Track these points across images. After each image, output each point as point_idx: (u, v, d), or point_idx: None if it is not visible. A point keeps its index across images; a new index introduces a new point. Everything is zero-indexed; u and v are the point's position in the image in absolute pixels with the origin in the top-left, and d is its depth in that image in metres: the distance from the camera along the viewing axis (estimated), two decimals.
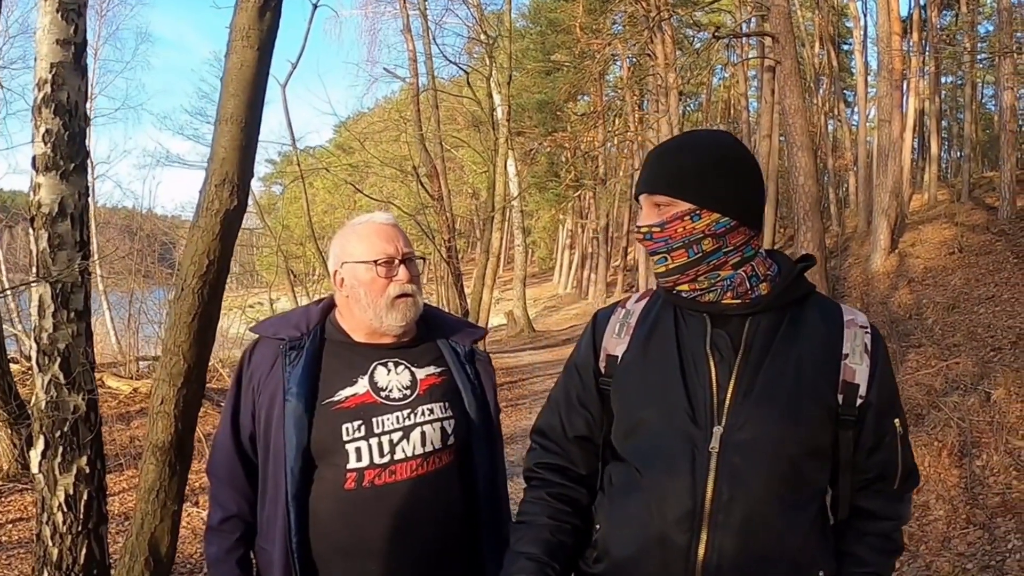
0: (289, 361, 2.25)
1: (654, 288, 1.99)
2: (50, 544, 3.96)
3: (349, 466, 2.19)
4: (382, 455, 2.21)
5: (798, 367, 1.77)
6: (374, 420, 2.22)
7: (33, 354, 4.05)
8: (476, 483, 2.37)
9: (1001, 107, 18.88)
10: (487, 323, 20.95)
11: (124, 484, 8.11)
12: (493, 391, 2.47)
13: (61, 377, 3.98)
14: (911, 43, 24.16)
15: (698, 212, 1.79)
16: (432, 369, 2.37)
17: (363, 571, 2.21)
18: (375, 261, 2.26)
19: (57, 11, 3.96)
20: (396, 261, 2.28)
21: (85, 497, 4.03)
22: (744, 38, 26.73)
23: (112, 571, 4.17)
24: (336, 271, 2.34)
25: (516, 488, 2.31)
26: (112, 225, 27.63)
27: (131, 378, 12.85)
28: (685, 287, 1.84)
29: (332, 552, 2.21)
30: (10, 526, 7.07)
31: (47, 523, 3.98)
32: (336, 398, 2.24)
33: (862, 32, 26.99)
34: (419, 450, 2.24)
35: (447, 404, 2.33)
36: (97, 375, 5.09)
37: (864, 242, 20.18)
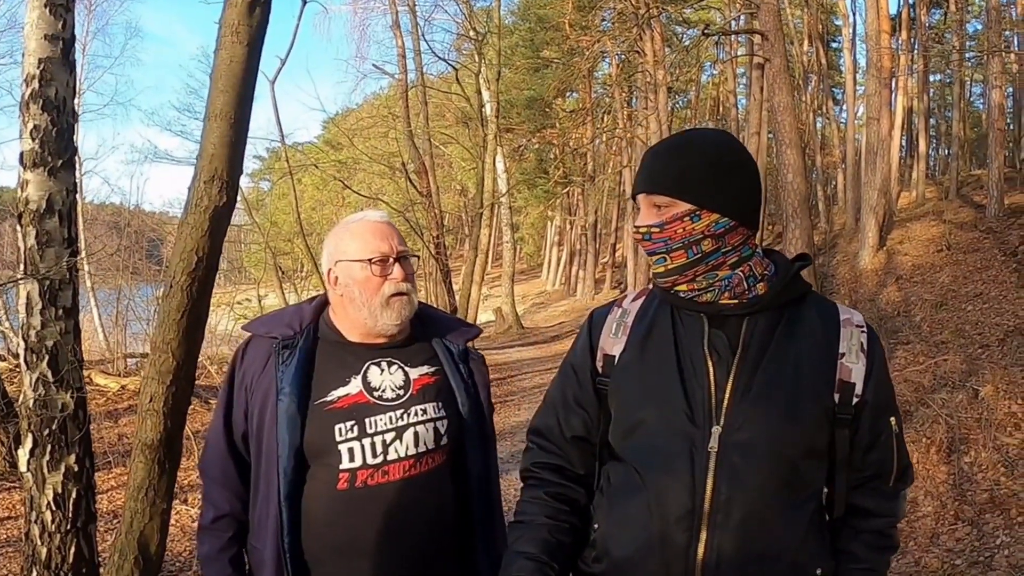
0: (282, 360, 2.24)
1: (650, 287, 1.99)
2: (39, 543, 3.94)
3: (342, 466, 2.18)
4: (375, 455, 2.20)
5: (795, 367, 1.77)
6: (367, 420, 2.21)
7: (21, 351, 4.03)
8: (469, 483, 2.36)
9: (989, 105, 18.98)
10: (475, 320, 20.98)
11: (113, 482, 8.08)
12: (487, 390, 2.46)
13: (49, 375, 3.96)
14: (900, 41, 24.22)
15: (698, 213, 1.78)
16: (425, 369, 2.35)
17: (356, 571, 2.20)
18: (369, 260, 2.25)
19: (45, 6, 3.93)
20: (391, 260, 2.27)
21: (74, 495, 4.01)
22: (733, 35, 26.73)
23: (101, 569, 4.15)
24: (330, 270, 2.32)
25: (507, 485, 2.30)
26: (100, 222, 27.46)
27: (119, 375, 12.81)
28: (683, 287, 1.84)
29: (324, 552, 2.20)
30: None
31: (36, 522, 3.95)
32: (329, 398, 2.23)
33: (851, 30, 27.06)
34: (412, 450, 2.23)
35: (440, 404, 2.32)
36: (85, 372, 5.06)
37: (852, 239, 20.23)
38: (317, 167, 28.54)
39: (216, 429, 2.33)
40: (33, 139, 3.91)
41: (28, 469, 3.96)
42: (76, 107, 4.27)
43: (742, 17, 23.83)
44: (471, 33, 22.31)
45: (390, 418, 2.23)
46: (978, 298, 12.28)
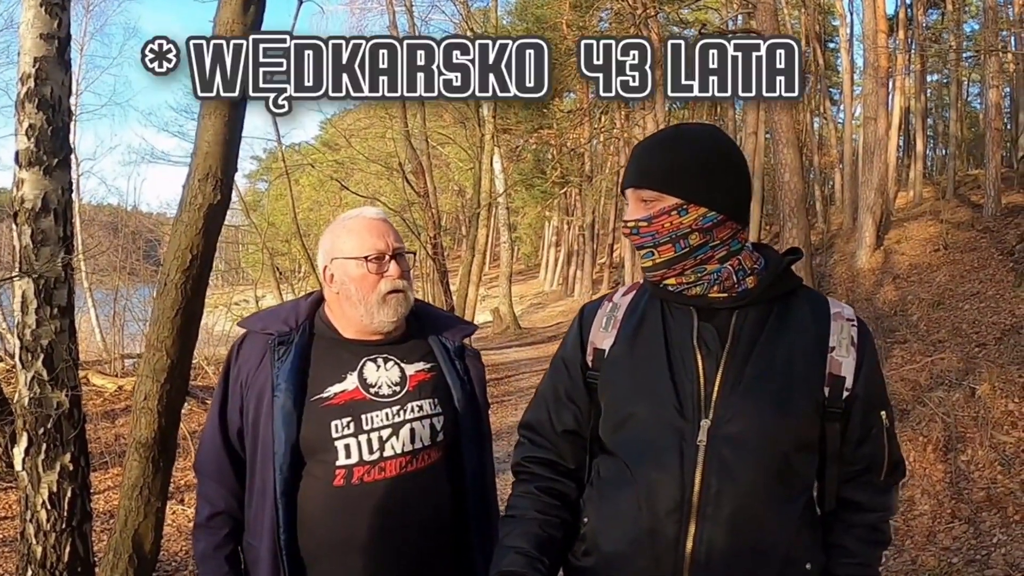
0: (278, 357, 2.23)
1: (641, 282, 1.99)
2: (34, 542, 3.93)
3: (338, 463, 2.18)
4: (371, 452, 2.20)
5: (785, 360, 1.77)
6: (363, 417, 2.21)
7: (16, 351, 4.02)
8: (465, 480, 2.35)
9: (986, 105, 19.03)
10: (473, 320, 20.93)
11: (110, 482, 8.07)
12: (482, 387, 2.45)
13: (44, 374, 3.95)
14: (897, 41, 24.23)
15: (685, 207, 1.78)
16: (422, 365, 2.35)
17: (352, 568, 2.20)
18: (366, 257, 2.24)
19: (41, 5, 3.92)
20: (387, 257, 2.26)
21: (69, 495, 4.00)
22: (730, 35, 26.73)
23: (96, 569, 4.15)
24: (326, 267, 2.32)
25: (502, 484, 2.30)
26: (97, 222, 27.46)
27: (116, 376, 12.79)
28: (672, 281, 1.83)
29: (321, 549, 2.20)
30: None
31: (31, 521, 3.95)
32: (325, 394, 2.22)
33: (848, 30, 27.10)
34: (408, 447, 2.23)
35: (436, 401, 2.31)
36: (82, 373, 5.07)
37: (849, 239, 20.26)
38: (314, 167, 28.51)
39: (211, 425, 2.32)
40: (28, 138, 3.91)
41: (23, 468, 3.96)
42: (73, 106, 4.27)
43: (739, 17, 23.87)
44: (468, 34, 22.31)
45: (386, 414, 2.23)
46: (975, 297, 12.29)
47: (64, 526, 3.97)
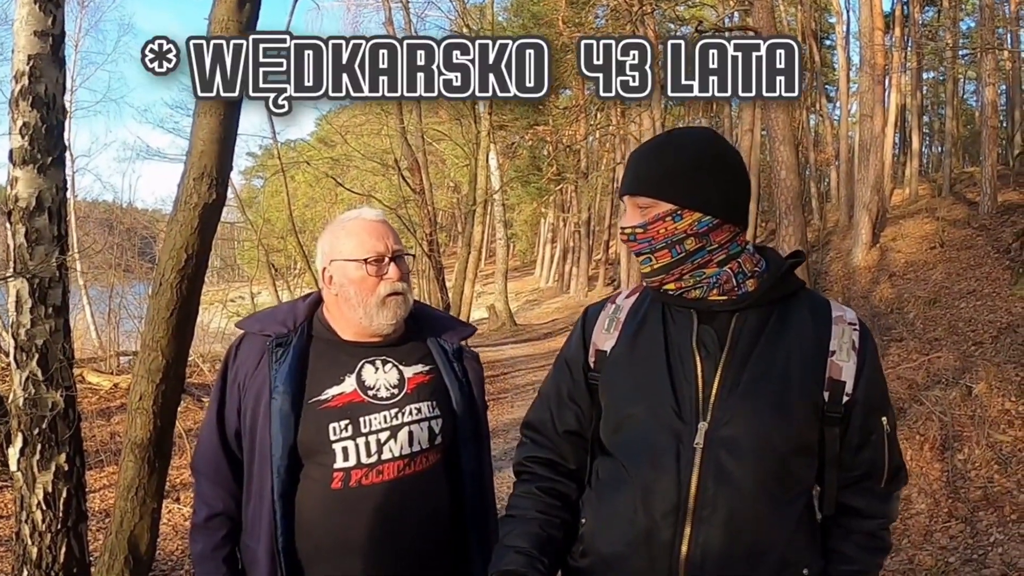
0: (276, 358, 2.22)
1: (644, 284, 1.98)
2: (29, 542, 3.92)
3: (336, 466, 2.17)
4: (369, 455, 2.18)
5: (784, 363, 1.77)
6: (361, 419, 2.20)
7: (11, 350, 4.01)
8: (463, 482, 2.35)
9: (982, 103, 19.07)
10: (468, 317, 20.98)
11: (105, 481, 8.05)
12: (481, 389, 2.45)
13: (39, 373, 3.94)
14: (893, 39, 24.25)
15: (679, 212, 1.78)
16: (420, 367, 2.34)
17: (349, 570, 2.19)
18: (365, 260, 2.23)
19: (35, 2, 3.91)
20: (386, 259, 2.25)
21: (64, 495, 3.99)
22: (730, 35, 26.75)
23: (92, 569, 4.14)
24: (325, 268, 2.30)
25: (500, 482, 2.29)
26: (92, 219, 27.36)
27: (112, 373, 12.74)
28: (671, 285, 1.83)
29: (318, 551, 2.19)
30: None
31: (26, 521, 3.94)
32: (323, 397, 2.21)
33: (844, 27, 27.15)
34: (406, 450, 2.22)
35: (435, 403, 2.30)
36: (77, 370, 5.05)
37: (845, 236, 20.27)
38: (310, 164, 28.50)
39: (209, 427, 2.31)
40: (22, 136, 3.89)
41: (18, 468, 3.95)
42: (67, 104, 4.25)
43: (736, 14, 23.84)
44: (464, 30, 22.29)
45: (384, 417, 2.22)
46: (971, 295, 12.30)
47: (59, 526, 3.96)
